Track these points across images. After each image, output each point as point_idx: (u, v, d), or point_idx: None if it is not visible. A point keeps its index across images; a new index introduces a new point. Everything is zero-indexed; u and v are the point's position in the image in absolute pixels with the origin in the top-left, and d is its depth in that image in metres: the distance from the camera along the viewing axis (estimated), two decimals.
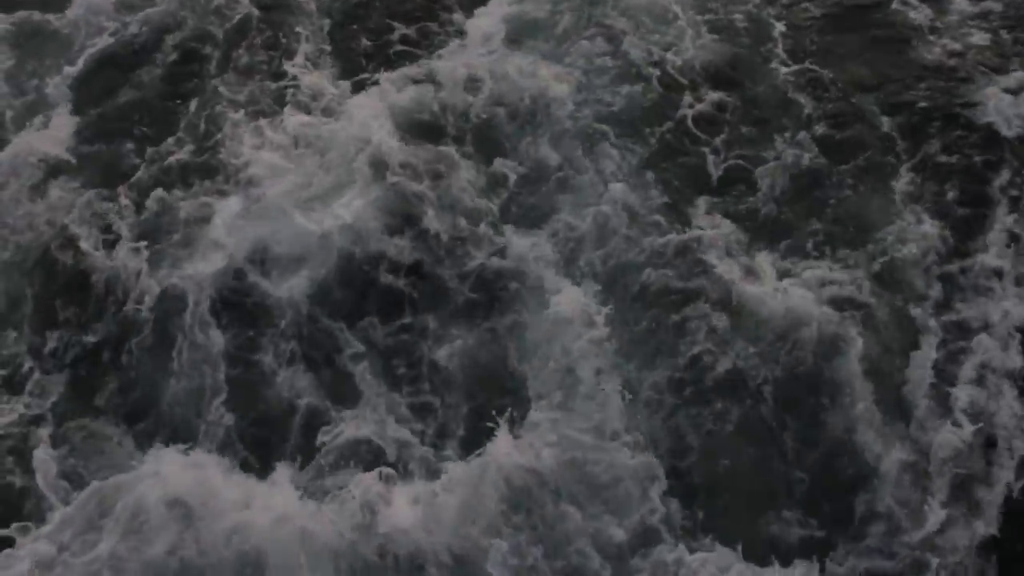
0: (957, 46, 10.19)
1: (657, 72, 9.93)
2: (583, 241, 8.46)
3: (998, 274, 8.25)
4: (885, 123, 9.49)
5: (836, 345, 7.65)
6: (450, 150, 9.13)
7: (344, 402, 7.50)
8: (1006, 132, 9.28)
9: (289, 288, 8.09)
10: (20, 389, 7.63)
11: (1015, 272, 8.27)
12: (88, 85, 9.98)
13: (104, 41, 10.38)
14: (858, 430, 7.26)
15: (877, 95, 9.78)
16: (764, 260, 8.30)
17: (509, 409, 7.23)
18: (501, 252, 8.34)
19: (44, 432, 7.35)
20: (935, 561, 6.67)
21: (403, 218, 8.56)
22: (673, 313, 7.90)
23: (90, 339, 7.95)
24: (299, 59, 10.13)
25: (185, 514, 6.67)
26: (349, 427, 7.28)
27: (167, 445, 7.18)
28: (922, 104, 9.63)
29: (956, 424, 7.27)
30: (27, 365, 7.78)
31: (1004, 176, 8.95)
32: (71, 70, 10.08)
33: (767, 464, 7.21)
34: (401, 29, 10.48)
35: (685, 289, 8.06)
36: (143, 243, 8.43)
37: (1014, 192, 8.84)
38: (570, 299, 7.91)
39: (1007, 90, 9.65)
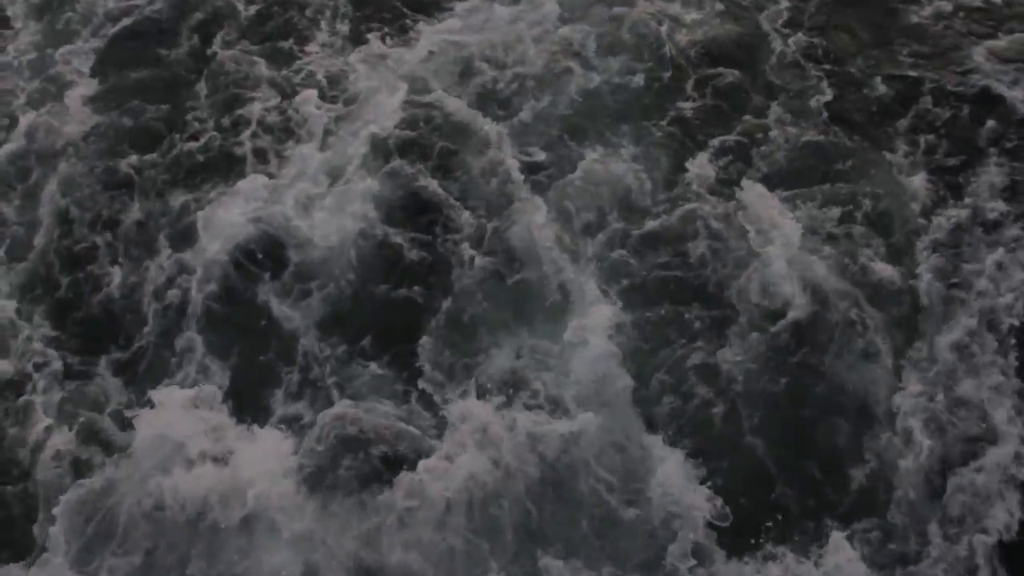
0: (949, 7, 10.49)
1: (663, 47, 10.06)
2: (591, 227, 8.51)
3: (997, 226, 8.47)
4: (886, 91, 9.67)
5: (847, 335, 7.72)
6: (462, 134, 9.22)
7: (349, 403, 7.48)
8: (1003, 93, 9.52)
9: (294, 287, 8.14)
10: (21, 392, 7.64)
11: (1015, 226, 8.48)
12: (105, 65, 10.08)
13: (125, 21, 10.51)
14: (867, 432, 7.30)
15: (876, 63, 9.98)
16: (771, 238, 8.32)
17: (514, 413, 7.25)
18: (508, 246, 8.37)
19: (46, 433, 7.35)
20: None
21: (410, 211, 8.63)
22: (680, 306, 7.95)
23: (92, 340, 7.96)
24: (315, 44, 10.24)
25: (189, 512, 6.76)
26: (355, 428, 7.27)
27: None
28: (921, 70, 9.84)
29: (963, 418, 7.33)
30: (28, 368, 7.76)
31: (999, 134, 9.22)
32: (90, 48, 10.19)
33: (775, 471, 7.20)
34: (414, 11, 10.62)
35: (690, 279, 8.12)
36: (148, 241, 8.50)
37: (1008, 145, 9.11)
38: (594, 310, 7.87)
39: (1000, 51, 9.96)
